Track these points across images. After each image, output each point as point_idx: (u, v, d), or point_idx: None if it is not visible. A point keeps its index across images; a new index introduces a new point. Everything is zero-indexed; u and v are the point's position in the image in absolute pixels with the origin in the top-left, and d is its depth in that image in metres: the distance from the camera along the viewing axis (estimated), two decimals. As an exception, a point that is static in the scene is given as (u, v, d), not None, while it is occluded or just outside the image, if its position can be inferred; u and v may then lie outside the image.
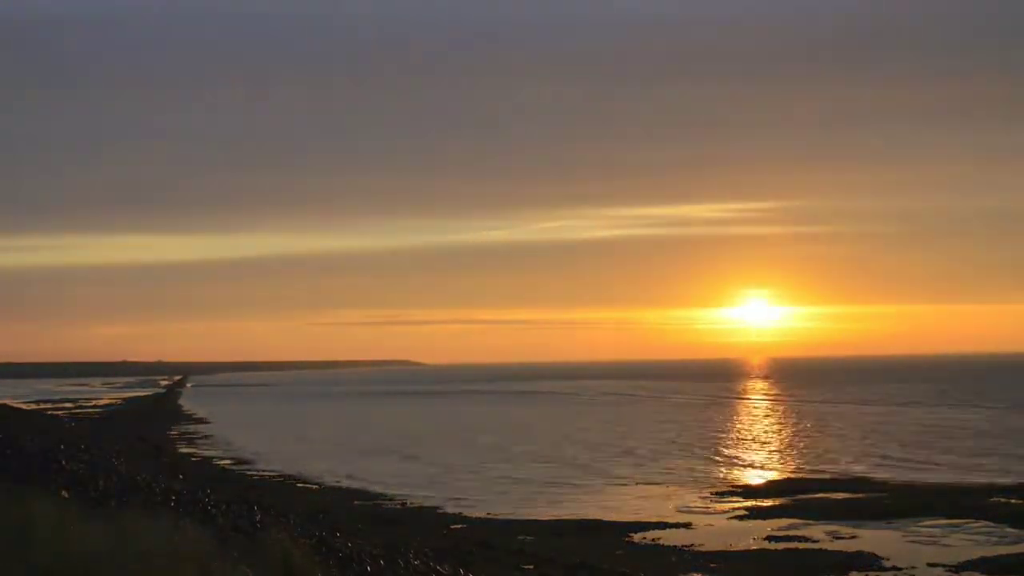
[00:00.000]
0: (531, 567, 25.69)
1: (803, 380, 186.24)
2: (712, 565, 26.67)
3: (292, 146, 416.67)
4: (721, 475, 47.20)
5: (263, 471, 50.98)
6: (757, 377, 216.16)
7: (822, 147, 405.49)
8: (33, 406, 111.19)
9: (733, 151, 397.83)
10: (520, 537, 30.56)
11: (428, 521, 33.80)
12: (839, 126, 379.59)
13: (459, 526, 33.13)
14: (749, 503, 37.86)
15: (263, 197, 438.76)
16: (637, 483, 44.33)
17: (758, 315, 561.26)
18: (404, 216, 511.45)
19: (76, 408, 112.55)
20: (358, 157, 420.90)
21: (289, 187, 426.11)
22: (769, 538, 30.48)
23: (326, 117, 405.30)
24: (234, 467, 52.65)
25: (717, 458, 55.00)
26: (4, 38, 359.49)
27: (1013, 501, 36.44)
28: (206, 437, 74.24)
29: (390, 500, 39.85)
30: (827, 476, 45.79)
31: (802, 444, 62.83)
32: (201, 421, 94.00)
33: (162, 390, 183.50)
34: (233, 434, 77.10)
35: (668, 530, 32.09)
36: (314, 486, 44.59)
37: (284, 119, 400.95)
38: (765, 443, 64.18)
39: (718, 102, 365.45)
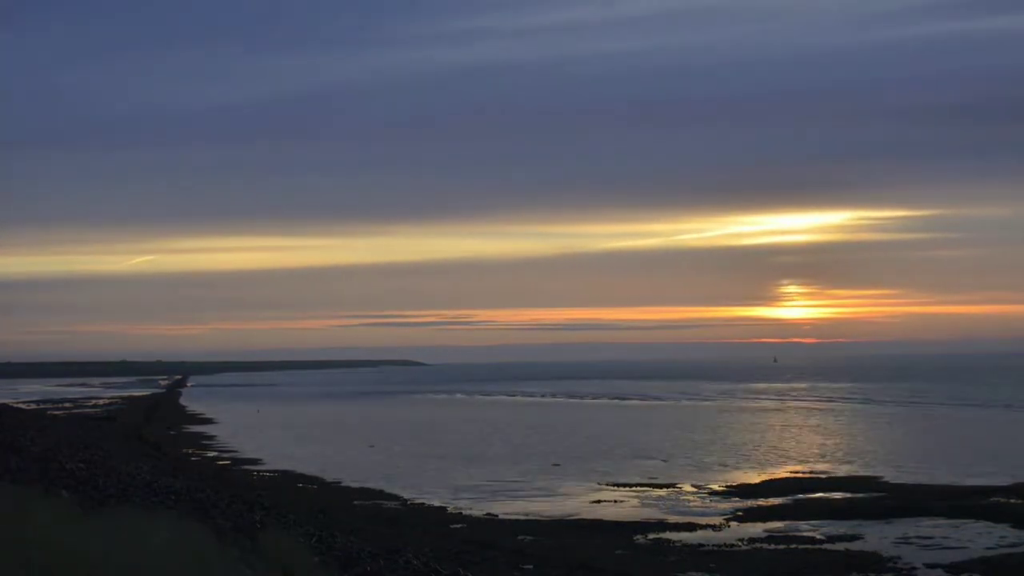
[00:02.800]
0: (531, 567, 25.69)
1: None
2: (712, 565, 26.66)
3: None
4: (721, 475, 47.17)
5: (263, 471, 50.97)
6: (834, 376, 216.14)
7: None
8: (33, 406, 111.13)
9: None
10: (520, 537, 30.55)
11: (428, 521, 33.79)
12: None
13: (459, 526, 33.12)
14: (749, 503, 37.85)
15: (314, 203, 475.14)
16: (637, 483, 44.31)
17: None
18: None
19: (76, 408, 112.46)
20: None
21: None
22: (769, 538, 30.48)
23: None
24: (234, 467, 52.62)
25: (718, 459, 55.02)
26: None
27: (1013, 501, 36.43)
28: (206, 437, 74.23)
29: (390, 500, 39.84)
30: (827, 476, 45.80)
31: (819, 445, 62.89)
32: (201, 421, 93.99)
33: (162, 390, 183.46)
34: (233, 433, 77.11)
35: (668, 530, 32.08)
36: (314, 486, 44.57)
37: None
38: (774, 445, 64.22)
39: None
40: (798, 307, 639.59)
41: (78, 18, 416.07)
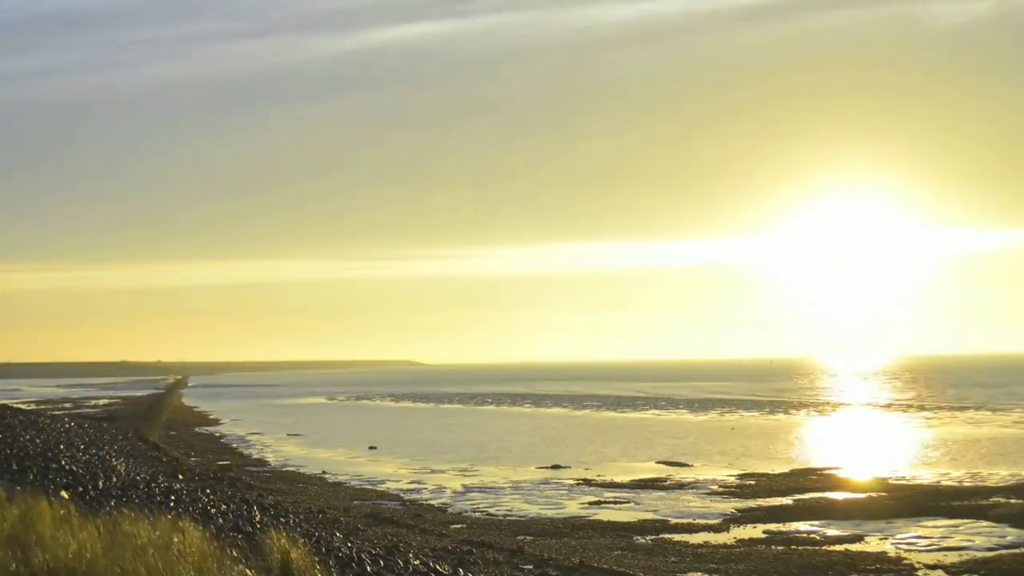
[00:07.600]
0: (531, 567, 25.69)
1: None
2: (712, 566, 26.65)
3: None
4: (721, 476, 47.16)
5: (263, 471, 50.97)
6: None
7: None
8: (33, 406, 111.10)
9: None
10: (520, 537, 30.55)
11: (428, 521, 33.79)
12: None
13: (459, 526, 33.12)
14: (749, 503, 37.84)
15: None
16: (637, 484, 44.32)
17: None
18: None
19: (76, 408, 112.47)
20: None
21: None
22: (769, 539, 30.46)
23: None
24: (234, 467, 52.62)
25: (717, 460, 55.03)
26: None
27: (1013, 501, 36.43)
28: (206, 437, 74.23)
29: (390, 500, 39.85)
30: (827, 476, 45.79)
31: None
32: (202, 421, 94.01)
33: (162, 390, 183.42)
34: (233, 434, 77.11)
35: (668, 531, 32.07)
36: (314, 486, 44.58)
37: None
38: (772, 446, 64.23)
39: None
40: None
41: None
